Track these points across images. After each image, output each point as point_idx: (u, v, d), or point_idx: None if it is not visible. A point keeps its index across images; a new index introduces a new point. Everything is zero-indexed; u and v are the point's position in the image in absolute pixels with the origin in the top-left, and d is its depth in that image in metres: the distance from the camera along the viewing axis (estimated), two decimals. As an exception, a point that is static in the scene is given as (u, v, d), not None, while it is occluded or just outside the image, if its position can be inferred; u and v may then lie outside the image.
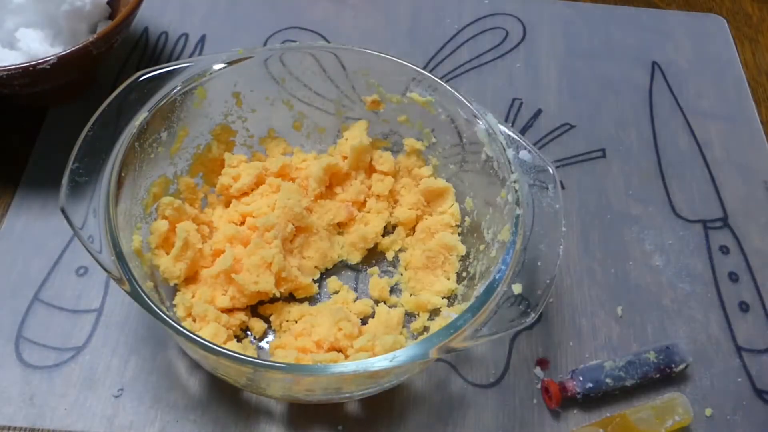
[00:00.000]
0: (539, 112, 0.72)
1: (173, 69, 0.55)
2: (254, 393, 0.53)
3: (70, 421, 0.52)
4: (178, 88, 0.55)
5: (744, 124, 0.73)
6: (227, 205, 0.61)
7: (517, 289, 0.48)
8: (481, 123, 0.55)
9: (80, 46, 0.60)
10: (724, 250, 0.64)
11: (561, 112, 0.73)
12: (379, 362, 0.44)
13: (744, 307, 0.61)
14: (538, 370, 0.56)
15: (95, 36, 0.60)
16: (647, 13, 0.83)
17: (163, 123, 0.55)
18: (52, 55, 0.58)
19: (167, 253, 0.55)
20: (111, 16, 0.69)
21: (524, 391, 0.55)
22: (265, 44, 0.76)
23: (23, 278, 0.58)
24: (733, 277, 0.62)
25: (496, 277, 0.48)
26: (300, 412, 0.53)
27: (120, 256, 0.47)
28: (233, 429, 0.52)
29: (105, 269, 0.46)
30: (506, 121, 0.71)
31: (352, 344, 0.52)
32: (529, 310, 0.47)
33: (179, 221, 0.56)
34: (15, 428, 0.51)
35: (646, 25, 0.81)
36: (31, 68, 0.58)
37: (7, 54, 0.63)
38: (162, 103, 0.54)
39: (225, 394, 0.54)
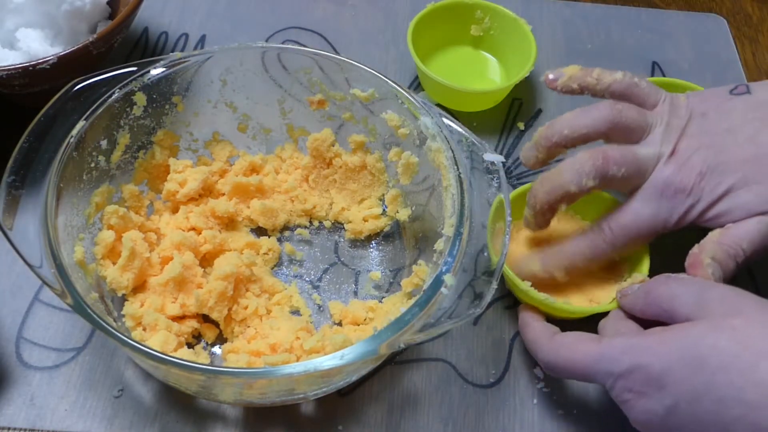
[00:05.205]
0: (539, 112, 0.72)
1: (112, 76, 0.54)
2: (207, 399, 0.52)
3: (71, 422, 0.52)
4: (116, 94, 0.54)
5: (744, 124, 0.73)
6: (174, 210, 0.60)
7: (463, 280, 0.48)
8: (424, 117, 0.55)
9: (80, 46, 0.60)
10: (724, 250, 0.64)
11: (561, 112, 0.72)
12: (329, 361, 0.44)
13: (744, 307, 0.61)
14: (538, 370, 0.56)
15: (95, 36, 0.60)
16: (647, 13, 0.83)
17: (102, 131, 0.54)
18: (52, 55, 0.58)
19: (114, 263, 0.54)
20: (111, 16, 0.69)
21: (524, 391, 0.55)
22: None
23: (23, 278, 0.58)
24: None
25: (443, 270, 0.48)
26: (257, 416, 0.53)
27: (60, 269, 0.46)
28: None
29: (46, 283, 0.45)
30: (506, 121, 0.71)
31: (302, 345, 0.52)
32: (477, 300, 0.47)
33: (125, 230, 0.55)
34: (15, 429, 0.51)
35: (646, 25, 0.81)
36: (31, 68, 0.58)
37: (7, 54, 0.63)
38: (99, 111, 0.53)
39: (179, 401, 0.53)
